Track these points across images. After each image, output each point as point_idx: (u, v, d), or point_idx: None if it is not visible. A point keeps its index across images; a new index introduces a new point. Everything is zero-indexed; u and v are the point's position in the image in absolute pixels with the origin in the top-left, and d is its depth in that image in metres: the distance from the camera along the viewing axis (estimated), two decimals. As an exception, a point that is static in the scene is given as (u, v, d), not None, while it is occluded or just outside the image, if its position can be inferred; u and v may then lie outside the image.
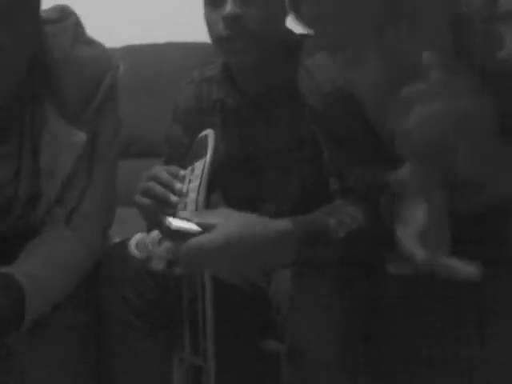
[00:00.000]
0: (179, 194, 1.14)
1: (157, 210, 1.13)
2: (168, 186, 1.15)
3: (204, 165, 1.12)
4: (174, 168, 1.19)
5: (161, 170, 1.17)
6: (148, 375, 1.21)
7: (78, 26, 1.18)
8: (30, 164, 1.17)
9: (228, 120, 1.36)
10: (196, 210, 1.08)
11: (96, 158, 1.19)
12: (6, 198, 1.17)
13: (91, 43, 1.19)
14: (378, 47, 0.75)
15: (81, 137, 1.15)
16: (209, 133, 1.18)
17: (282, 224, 0.94)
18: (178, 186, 1.14)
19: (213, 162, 1.12)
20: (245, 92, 1.35)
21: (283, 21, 1.31)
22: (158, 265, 1.15)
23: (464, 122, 0.72)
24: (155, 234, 1.18)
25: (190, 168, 1.17)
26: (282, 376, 1.05)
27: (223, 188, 1.33)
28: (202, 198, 1.09)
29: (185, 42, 2.05)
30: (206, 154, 1.14)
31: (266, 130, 1.33)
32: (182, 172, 1.17)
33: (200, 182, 1.10)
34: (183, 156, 1.34)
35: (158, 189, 1.14)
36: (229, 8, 1.22)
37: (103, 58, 1.19)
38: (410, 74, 0.76)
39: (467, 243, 0.87)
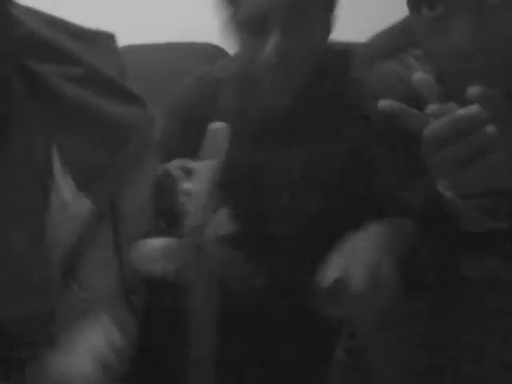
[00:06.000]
0: (184, 193, 1.08)
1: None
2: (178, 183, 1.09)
3: (213, 169, 1.03)
4: (187, 162, 1.11)
5: (173, 166, 1.11)
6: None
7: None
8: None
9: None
10: (199, 222, 1.01)
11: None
12: None
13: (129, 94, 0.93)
14: (474, 9, 0.73)
15: (86, 206, 0.89)
16: (219, 129, 1.05)
17: None
18: (184, 185, 1.08)
19: (222, 168, 1.03)
20: (267, 108, 1.20)
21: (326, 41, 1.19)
22: None
23: None
24: None
25: (197, 164, 1.09)
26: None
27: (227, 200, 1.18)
28: (208, 210, 1.01)
29: (185, 42, 2.04)
30: (215, 155, 1.04)
31: (279, 156, 1.20)
32: (188, 165, 1.10)
33: (207, 190, 1.03)
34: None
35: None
36: (276, 39, 1.09)
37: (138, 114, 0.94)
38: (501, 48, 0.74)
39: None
